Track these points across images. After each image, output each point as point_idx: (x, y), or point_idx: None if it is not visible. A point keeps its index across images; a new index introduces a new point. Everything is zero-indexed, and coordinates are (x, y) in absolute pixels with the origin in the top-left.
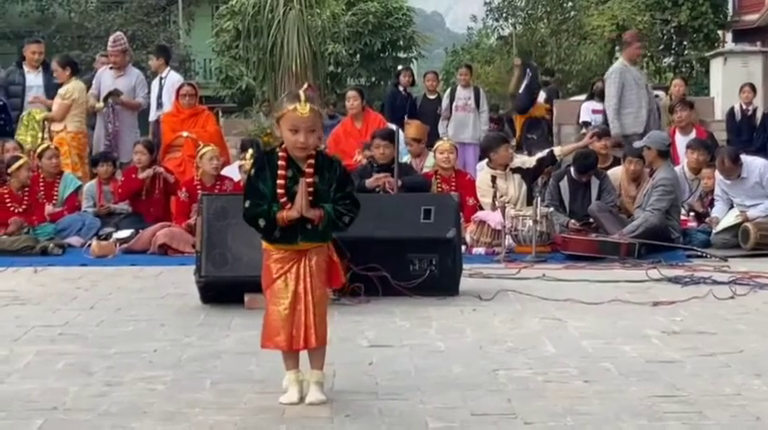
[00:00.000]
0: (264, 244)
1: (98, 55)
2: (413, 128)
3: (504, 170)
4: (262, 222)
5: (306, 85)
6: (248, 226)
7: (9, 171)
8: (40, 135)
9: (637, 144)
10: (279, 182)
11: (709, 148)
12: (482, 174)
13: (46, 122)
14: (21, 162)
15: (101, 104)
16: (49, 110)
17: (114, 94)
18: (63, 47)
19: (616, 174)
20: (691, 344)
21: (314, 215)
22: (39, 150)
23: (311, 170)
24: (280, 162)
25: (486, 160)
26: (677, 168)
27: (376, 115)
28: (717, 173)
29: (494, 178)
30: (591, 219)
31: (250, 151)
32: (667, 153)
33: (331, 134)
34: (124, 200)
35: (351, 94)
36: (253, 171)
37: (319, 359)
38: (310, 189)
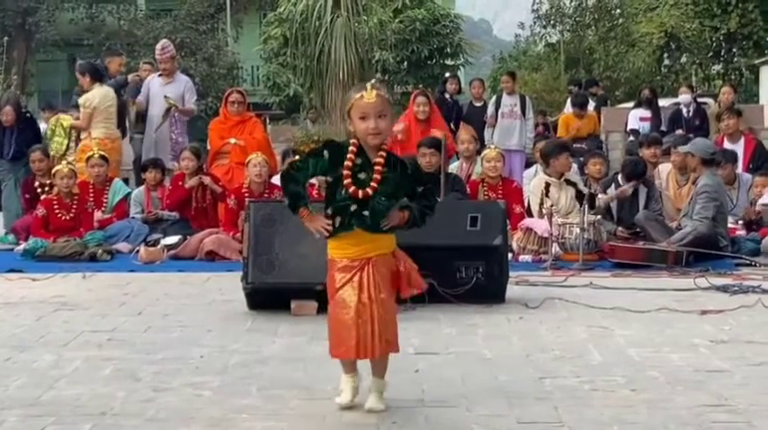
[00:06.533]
0: (329, 253)
1: (142, 62)
2: (466, 129)
3: (559, 179)
4: (290, 194)
5: (374, 80)
6: (295, 233)
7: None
8: (65, 142)
9: (682, 149)
10: (346, 164)
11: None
12: (536, 180)
13: (73, 131)
14: (55, 169)
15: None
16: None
17: (171, 104)
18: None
19: (666, 167)
20: (739, 353)
21: (395, 221)
22: (86, 157)
23: (381, 160)
24: (351, 148)
25: (544, 166)
26: None
27: (442, 122)
28: None
29: (548, 185)
30: (638, 228)
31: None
32: (711, 161)
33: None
34: (173, 209)
35: (421, 100)
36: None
37: (381, 367)
38: (379, 176)
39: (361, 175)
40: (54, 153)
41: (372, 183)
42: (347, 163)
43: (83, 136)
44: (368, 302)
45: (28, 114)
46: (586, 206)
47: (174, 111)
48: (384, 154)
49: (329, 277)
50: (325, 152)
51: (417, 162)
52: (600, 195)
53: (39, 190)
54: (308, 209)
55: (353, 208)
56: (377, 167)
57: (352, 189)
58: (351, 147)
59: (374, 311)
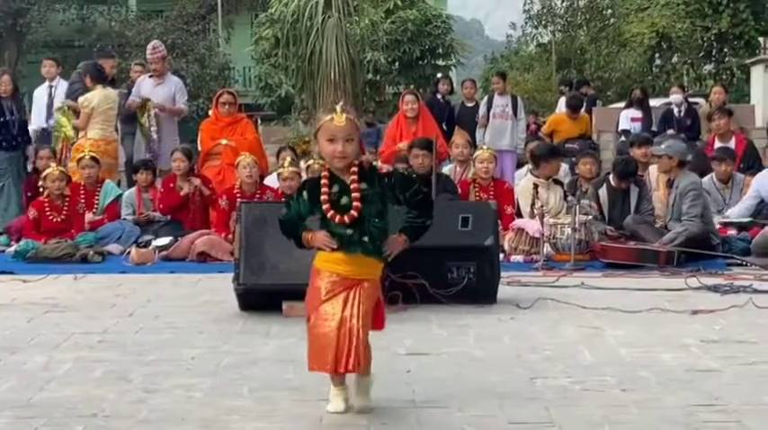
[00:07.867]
0: (317, 264)
1: (133, 64)
2: (461, 133)
3: (546, 180)
4: (293, 237)
5: (341, 103)
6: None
7: (41, 181)
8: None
9: (656, 150)
10: (323, 197)
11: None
12: (524, 181)
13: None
14: (46, 172)
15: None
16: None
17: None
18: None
19: (656, 168)
20: (730, 352)
21: (397, 247)
22: (78, 158)
23: (356, 177)
24: (323, 181)
25: (531, 167)
26: (705, 179)
27: (432, 121)
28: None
29: (536, 186)
30: (628, 232)
31: (288, 159)
32: (687, 163)
33: (386, 134)
34: (167, 214)
35: (409, 98)
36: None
37: (365, 373)
38: (357, 194)
39: (344, 201)
40: (66, 141)
41: (355, 203)
42: (323, 196)
43: (80, 135)
44: (348, 316)
45: (21, 96)
46: (577, 206)
47: (149, 108)
48: (356, 169)
49: (312, 288)
50: (304, 193)
51: (397, 169)
52: (585, 200)
53: (42, 189)
54: (309, 230)
55: (349, 232)
56: (353, 186)
57: (337, 218)
58: (323, 180)
59: (354, 327)
